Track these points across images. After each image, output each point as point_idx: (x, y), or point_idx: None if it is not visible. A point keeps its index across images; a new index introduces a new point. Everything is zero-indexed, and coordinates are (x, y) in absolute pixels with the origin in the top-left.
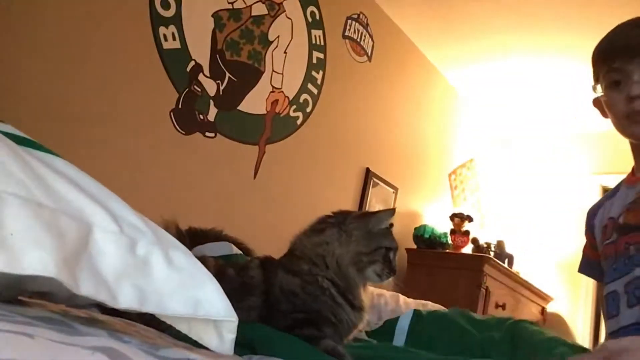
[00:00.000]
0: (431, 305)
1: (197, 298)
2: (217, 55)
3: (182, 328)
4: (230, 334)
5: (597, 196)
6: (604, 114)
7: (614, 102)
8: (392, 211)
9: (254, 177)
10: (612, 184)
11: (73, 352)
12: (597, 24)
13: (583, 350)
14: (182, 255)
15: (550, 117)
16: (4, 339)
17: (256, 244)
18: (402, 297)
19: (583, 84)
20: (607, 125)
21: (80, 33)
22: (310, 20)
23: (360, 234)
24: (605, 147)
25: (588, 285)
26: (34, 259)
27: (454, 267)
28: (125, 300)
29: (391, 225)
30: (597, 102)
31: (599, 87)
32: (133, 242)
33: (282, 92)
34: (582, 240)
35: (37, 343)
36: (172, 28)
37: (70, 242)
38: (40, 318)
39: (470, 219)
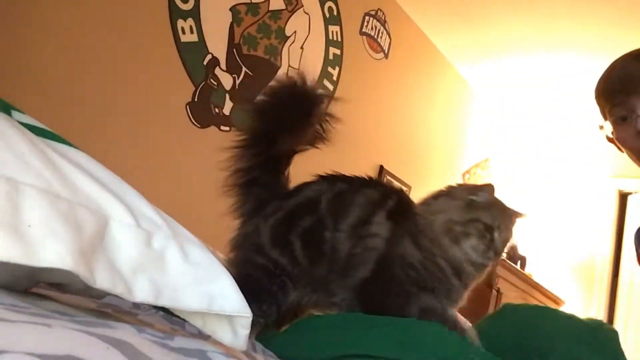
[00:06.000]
0: None
1: (211, 293)
2: (234, 49)
3: (197, 322)
4: (244, 330)
5: (614, 200)
6: (620, 149)
7: (624, 138)
8: (491, 187)
9: None
10: (630, 188)
11: (90, 343)
12: (616, 20)
13: None
14: (198, 250)
15: (567, 117)
16: (23, 328)
17: None
18: None
19: None
20: None
21: (99, 25)
22: (327, 15)
23: (458, 203)
24: None
25: (601, 289)
26: (52, 252)
27: None
28: (141, 293)
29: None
30: (611, 139)
31: (607, 124)
32: (149, 235)
33: None
34: (596, 244)
35: (56, 331)
36: (190, 21)
37: (87, 234)
38: (56, 311)
39: None
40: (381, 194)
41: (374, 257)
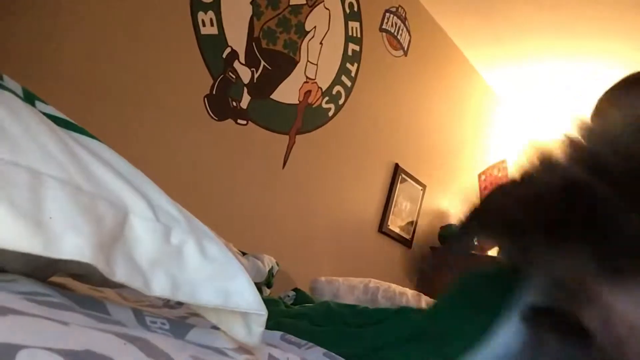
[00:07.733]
0: None
1: (228, 289)
2: (253, 43)
3: (212, 318)
4: (258, 327)
5: None
6: None
7: None
8: None
9: (283, 166)
10: None
11: (107, 341)
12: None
13: None
14: (215, 246)
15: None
16: (41, 327)
17: (281, 233)
18: (424, 297)
19: None
20: None
21: (120, 16)
22: (348, 11)
23: None
24: None
25: None
26: (72, 244)
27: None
28: (159, 288)
29: None
30: None
31: None
32: (168, 230)
33: (316, 82)
34: None
35: (72, 330)
36: (211, 14)
37: (107, 227)
38: (74, 298)
39: None
40: None
41: None
